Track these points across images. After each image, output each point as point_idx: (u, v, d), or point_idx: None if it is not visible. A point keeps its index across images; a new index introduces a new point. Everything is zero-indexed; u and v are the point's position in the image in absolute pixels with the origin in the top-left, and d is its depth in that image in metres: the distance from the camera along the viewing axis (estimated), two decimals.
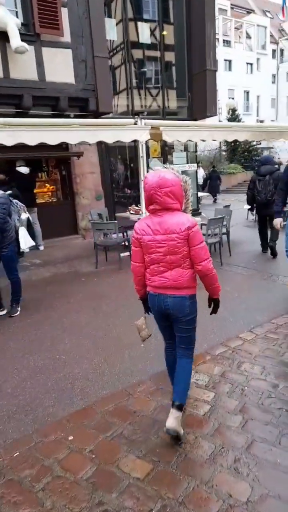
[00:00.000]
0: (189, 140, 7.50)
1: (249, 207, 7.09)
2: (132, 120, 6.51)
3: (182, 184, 2.19)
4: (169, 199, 2.12)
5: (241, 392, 2.68)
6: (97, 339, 3.67)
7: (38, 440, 2.26)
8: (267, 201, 6.04)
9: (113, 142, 6.10)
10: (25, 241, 4.91)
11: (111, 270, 6.24)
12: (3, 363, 3.30)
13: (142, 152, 6.92)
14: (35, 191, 8.47)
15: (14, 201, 4.69)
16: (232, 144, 23.31)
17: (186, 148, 10.44)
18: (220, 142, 22.24)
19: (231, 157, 23.97)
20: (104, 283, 5.58)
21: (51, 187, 9.36)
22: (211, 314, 2.41)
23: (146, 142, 8.41)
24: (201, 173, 16.39)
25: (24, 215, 4.79)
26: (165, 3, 9.71)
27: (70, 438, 2.26)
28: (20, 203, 4.81)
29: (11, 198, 4.57)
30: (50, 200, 9.27)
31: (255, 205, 6.58)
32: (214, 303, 2.41)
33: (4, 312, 4.47)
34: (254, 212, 7.09)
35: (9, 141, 5.04)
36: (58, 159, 9.01)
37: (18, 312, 4.42)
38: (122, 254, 6.99)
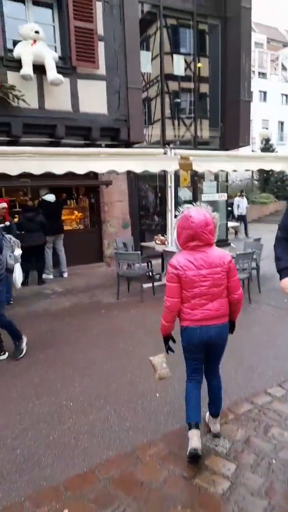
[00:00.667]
0: (221, 170, 7.31)
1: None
2: (161, 150, 6.44)
3: (214, 221, 2.35)
4: (211, 236, 2.31)
5: (268, 466, 2.29)
6: (110, 383, 3.39)
7: (30, 511, 1.99)
8: None
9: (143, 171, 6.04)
10: (19, 278, 4.67)
11: (132, 302, 6.00)
12: (7, 406, 3.08)
13: (170, 182, 6.81)
14: (63, 217, 8.54)
15: (8, 236, 4.50)
16: (265, 174, 23.02)
17: (216, 178, 10.25)
18: (252, 172, 21.99)
19: (264, 187, 23.54)
20: (123, 316, 5.33)
21: (79, 214, 9.40)
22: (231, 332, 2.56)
23: (176, 171, 8.35)
24: (245, 203, 13.63)
25: (18, 251, 4.57)
26: (201, 37, 9.85)
27: (65, 511, 1.96)
28: (14, 238, 4.60)
29: (3, 233, 4.34)
30: (78, 227, 9.29)
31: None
32: (233, 325, 2.56)
33: (5, 356, 3.98)
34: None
35: (37, 170, 5.08)
36: (88, 187, 9.08)
37: (24, 352, 4.01)
38: (144, 285, 6.74)
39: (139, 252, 6.15)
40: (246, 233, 13.40)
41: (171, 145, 6.51)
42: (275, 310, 5.37)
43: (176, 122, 10.09)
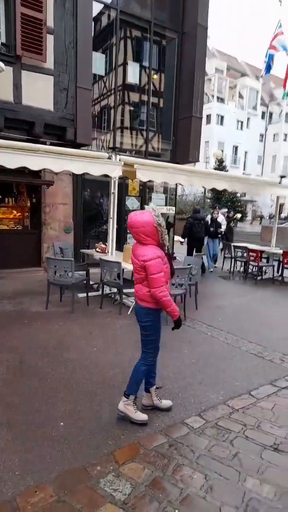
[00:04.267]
0: (165, 182, 7.16)
1: (183, 240, 9.36)
2: (105, 154, 6.14)
3: (155, 225, 2.63)
4: (139, 237, 2.70)
5: None
6: (8, 409, 2.90)
7: None
8: (201, 237, 9.10)
9: (91, 175, 5.70)
10: None
11: (61, 313, 5.52)
12: None
13: (113, 188, 6.50)
14: None
15: None
16: (217, 192, 23.65)
17: (165, 191, 10.16)
18: (205, 189, 22.55)
19: (215, 205, 24.21)
20: (47, 329, 4.83)
21: (18, 214, 8.75)
22: (172, 329, 2.84)
23: (124, 179, 8.07)
24: (221, 219, 10.07)
25: None
26: (158, 48, 9.84)
27: None
28: None
29: None
30: (15, 228, 8.62)
31: (186, 239, 9.14)
32: (174, 324, 2.80)
33: None
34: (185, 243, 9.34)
35: None
36: (29, 186, 8.50)
37: None
38: (80, 295, 6.34)
39: (72, 259, 5.70)
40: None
41: (115, 151, 6.19)
42: (208, 329, 5.18)
43: (128, 131, 9.90)
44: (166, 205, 10.26)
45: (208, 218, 9.66)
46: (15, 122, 6.85)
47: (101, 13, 8.89)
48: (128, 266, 5.76)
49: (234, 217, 12.27)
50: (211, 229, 9.45)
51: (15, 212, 8.75)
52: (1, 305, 5.76)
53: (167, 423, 2.83)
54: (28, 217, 8.80)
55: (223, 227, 10.38)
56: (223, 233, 10.46)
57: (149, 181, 6.79)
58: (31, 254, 8.52)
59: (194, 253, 9.07)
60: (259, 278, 8.87)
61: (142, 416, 2.79)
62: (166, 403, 3.00)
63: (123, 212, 9.20)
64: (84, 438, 2.58)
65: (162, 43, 9.85)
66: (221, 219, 10.00)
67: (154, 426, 2.77)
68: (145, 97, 9.79)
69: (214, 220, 9.57)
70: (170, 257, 2.86)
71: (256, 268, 8.91)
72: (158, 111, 10.33)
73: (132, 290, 6.34)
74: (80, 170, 5.51)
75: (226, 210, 12.92)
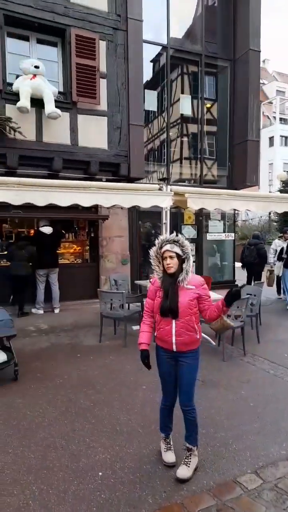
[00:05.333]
0: (218, 209, 6.92)
1: (241, 264, 9.10)
2: (156, 186, 6.14)
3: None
4: None
5: None
6: (48, 454, 2.80)
7: None
8: (251, 263, 8.56)
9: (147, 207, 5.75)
10: None
11: (114, 347, 5.44)
12: None
13: (165, 218, 6.42)
14: (61, 251, 8.29)
15: None
16: (285, 214, 22.39)
17: (223, 217, 9.85)
18: (269, 212, 21.50)
19: (281, 228, 22.92)
20: (99, 363, 4.76)
21: (78, 248, 9.12)
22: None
23: (180, 208, 8.03)
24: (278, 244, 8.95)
25: None
26: (210, 78, 9.90)
27: None
28: None
29: None
30: (75, 261, 8.97)
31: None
32: None
33: None
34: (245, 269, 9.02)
35: (15, 200, 4.82)
36: (88, 221, 8.86)
37: None
38: (134, 328, 6.25)
39: (123, 291, 5.66)
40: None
41: (168, 181, 6.18)
42: (272, 367, 4.67)
43: (183, 161, 9.93)
44: (224, 231, 9.91)
45: (277, 243, 9.03)
46: (73, 162, 7.25)
47: (154, 53, 9.27)
48: None
49: None
50: (284, 256, 8.33)
51: (75, 246, 9.13)
52: (59, 338, 5.88)
53: (217, 480, 2.49)
54: (87, 251, 9.12)
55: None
56: None
57: (203, 208, 6.62)
58: (90, 287, 8.71)
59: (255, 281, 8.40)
60: None
61: (167, 458, 2.66)
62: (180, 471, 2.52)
63: None
64: (122, 494, 2.36)
65: (215, 72, 9.89)
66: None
67: (201, 484, 2.45)
68: (199, 127, 9.79)
69: None
70: (166, 292, 2.56)
71: None
72: (213, 139, 10.24)
73: None
74: (129, 203, 5.56)
75: None
